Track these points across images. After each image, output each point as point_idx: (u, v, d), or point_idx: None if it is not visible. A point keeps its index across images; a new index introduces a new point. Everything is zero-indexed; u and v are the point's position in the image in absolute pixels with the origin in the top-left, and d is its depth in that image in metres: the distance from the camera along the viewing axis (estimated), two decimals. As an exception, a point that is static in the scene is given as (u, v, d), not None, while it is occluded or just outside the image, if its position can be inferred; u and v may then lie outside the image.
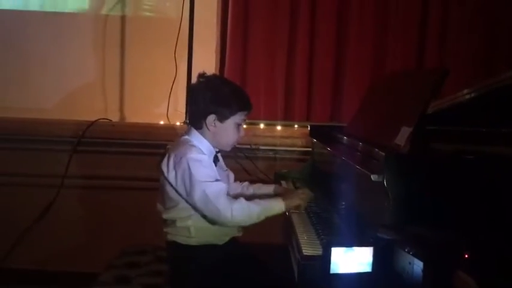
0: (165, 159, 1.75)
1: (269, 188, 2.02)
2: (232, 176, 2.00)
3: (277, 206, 1.72)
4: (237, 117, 1.78)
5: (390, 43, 3.13)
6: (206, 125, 1.76)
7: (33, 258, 2.79)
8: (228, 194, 1.73)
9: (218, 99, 1.74)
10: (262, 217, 1.70)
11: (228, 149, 1.87)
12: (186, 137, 1.80)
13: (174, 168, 1.71)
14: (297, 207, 1.76)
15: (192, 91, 1.82)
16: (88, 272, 2.10)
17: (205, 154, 1.75)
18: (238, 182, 2.04)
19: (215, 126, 1.76)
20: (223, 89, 1.77)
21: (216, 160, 1.83)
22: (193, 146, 1.74)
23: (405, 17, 3.11)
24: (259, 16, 3.11)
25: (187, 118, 1.84)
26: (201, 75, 1.80)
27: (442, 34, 3.10)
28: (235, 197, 1.76)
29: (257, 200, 1.72)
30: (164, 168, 1.74)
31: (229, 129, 1.78)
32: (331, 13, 3.10)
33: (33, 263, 2.79)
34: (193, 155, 1.70)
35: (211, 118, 1.75)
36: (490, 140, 1.67)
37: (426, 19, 3.11)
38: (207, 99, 1.74)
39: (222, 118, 1.76)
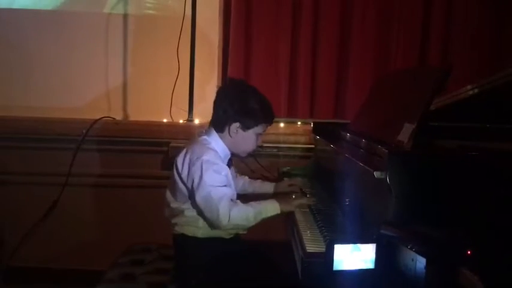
0: (182, 155, 1.80)
1: (270, 187, 2.09)
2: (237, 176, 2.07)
3: (272, 209, 1.74)
4: (260, 128, 1.83)
5: (393, 40, 3.12)
6: (229, 131, 1.81)
7: (39, 257, 2.80)
8: (232, 199, 1.76)
9: (245, 110, 1.79)
10: (259, 219, 1.73)
11: (244, 156, 1.92)
12: (205, 137, 1.84)
13: (189, 166, 1.75)
14: (302, 205, 1.77)
15: (220, 95, 1.84)
16: (93, 270, 2.12)
17: (220, 158, 1.79)
18: (240, 177, 2.10)
19: (237, 133, 1.80)
20: (252, 100, 1.80)
21: (230, 164, 1.87)
22: (211, 149, 1.78)
23: (408, 14, 3.10)
24: (261, 13, 3.10)
25: (210, 120, 1.87)
26: (231, 80, 1.87)
27: (445, 32, 3.10)
28: (239, 194, 1.84)
29: (253, 203, 1.75)
30: (179, 164, 1.79)
31: (250, 138, 1.83)
32: (335, 10, 3.10)
33: (38, 261, 2.80)
34: (209, 157, 1.74)
35: (235, 126, 1.80)
36: (493, 136, 1.67)
37: (429, 16, 3.10)
38: (235, 108, 1.79)
39: (245, 128, 1.81)
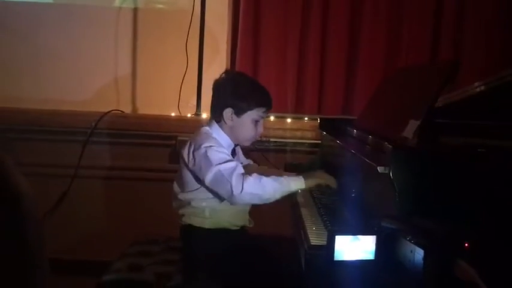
0: (186, 147, 1.82)
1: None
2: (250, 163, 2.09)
3: (296, 183, 1.71)
4: (255, 113, 1.82)
5: (403, 36, 3.09)
6: (223, 118, 1.81)
7: (48, 248, 2.83)
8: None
9: (236, 93, 1.80)
10: (279, 193, 1.69)
11: (246, 144, 1.92)
12: (207, 127, 1.86)
13: (193, 155, 1.77)
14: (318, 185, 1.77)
15: (215, 85, 1.87)
16: (101, 261, 2.14)
17: (223, 147, 1.80)
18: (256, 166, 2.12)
19: (232, 120, 1.81)
20: (243, 83, 1.83)
21: (233, 154, 1.88)
22: (212, 137, 1.81)
23: (419, 9, 3.08)
24: (270, 8, 3.10)
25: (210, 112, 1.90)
26: (226, 71, 1.88)
27: (457, 28, 3.07)
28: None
29: (274, 176, 1.72)
30: (185, 156, 1.80)
31: (246, 124, 1.82)
32: (344, 5, 3.09)
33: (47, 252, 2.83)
34: (210, 143, 1.76)
35: (228, 111, 1.80)
36: (499, 133, 1.67)
37: (441, 10, 3.08)
38: (227, 92, 1.81)
39: (239, 112, 1.81)
